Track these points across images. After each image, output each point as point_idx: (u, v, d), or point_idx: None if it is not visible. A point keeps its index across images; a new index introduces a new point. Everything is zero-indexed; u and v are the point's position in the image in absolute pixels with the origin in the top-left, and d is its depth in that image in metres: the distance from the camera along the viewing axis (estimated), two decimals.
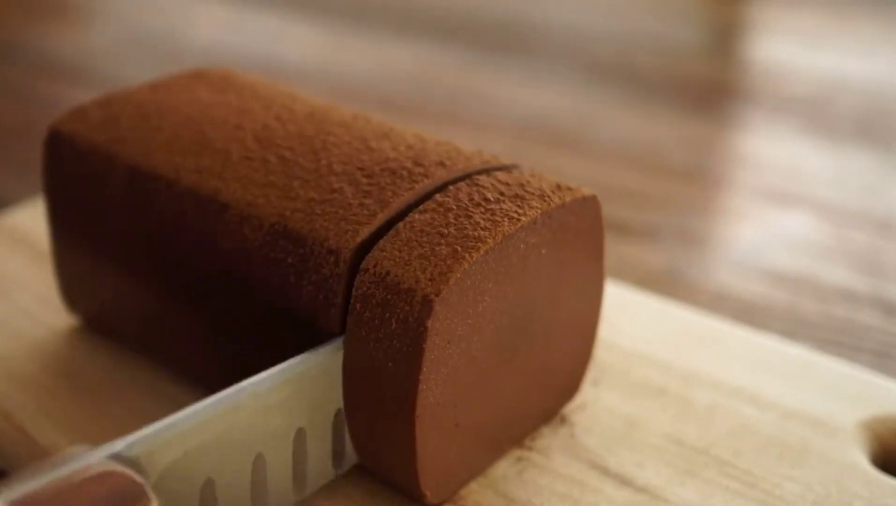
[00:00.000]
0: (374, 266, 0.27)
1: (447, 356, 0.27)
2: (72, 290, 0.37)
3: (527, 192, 0.29)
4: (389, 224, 0.29)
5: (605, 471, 0.31)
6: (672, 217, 0.53)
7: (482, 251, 0.27)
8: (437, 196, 0.29)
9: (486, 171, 0.31)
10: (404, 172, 0.30)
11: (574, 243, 0.31)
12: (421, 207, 0.28)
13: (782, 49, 0.80)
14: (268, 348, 0.30)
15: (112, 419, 0.33)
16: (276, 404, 0.27)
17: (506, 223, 0.28)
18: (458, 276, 0.26)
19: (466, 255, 0.27)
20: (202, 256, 0.31)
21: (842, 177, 0.58)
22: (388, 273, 0.27)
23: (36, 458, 0.32)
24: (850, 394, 0.35)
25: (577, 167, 0.59)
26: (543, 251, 0.29)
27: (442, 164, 0.30)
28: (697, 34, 0.87)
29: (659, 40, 0.81)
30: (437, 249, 0.27)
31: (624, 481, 0.31)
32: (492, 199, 0.28)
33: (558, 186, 0.30)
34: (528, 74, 0.73)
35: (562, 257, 0.30)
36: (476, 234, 0.27)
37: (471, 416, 0.29)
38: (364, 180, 0.30)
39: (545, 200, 0.29)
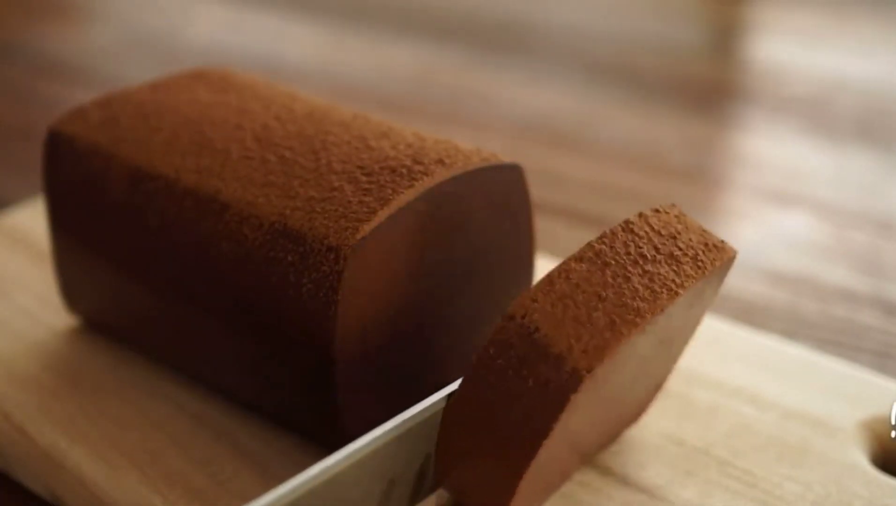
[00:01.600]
0: (523, 317, 0.25)
1: (573, 422, 0.26)
2: (72, 290, 0.37)
3: (680, 249, 0.28)
4: (390, 221, 0.29)
5: (605, 471, 0.31)
6: None
7: (640, 326, 0.25)
8: (594, 243, 0.27)
9: (642, 214, 0.29)
10: (404, 171, 0.30)
11: (702, 300, 0.29)
12: (577, 255, 0.27)
13: (782, 49, 0.80)
14: (268, 347, 0.30)
15: (112, 419, 0.33)
16: (373, 462, 0.26)
17: (664, 296, 0.26)
18: (613, 351, 0.25)
19: (624, 329, 0.25)
20: (202, 255, 0.31)
21: (842, 177, 0.58)
22: (537, 329, 0.25)
23: (36, 458, 0.32)
24: (850, 394, 0.35)
25: (577, 167, 0.59)
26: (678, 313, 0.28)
27: (441, 161, 0.30)
28: (697, 34, 0.87)
29: (659, 40, 0.81)
30: (594, 315, 0.25)
31: (624, 481, 0.31)
32: (648, 256, 0.27)
33: (705, 244, 0.29)
34: (528, 74, 0.73)
35: (689, 313, 0.29)
36: (635, 305, 0.26)
37: (559, 460, 0.29)
38: (364, 179, 0.30)
39: (699, 267, 0.28)
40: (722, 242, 0.29)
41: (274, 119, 0.33)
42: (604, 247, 0.27)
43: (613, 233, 0.27)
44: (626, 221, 0.28)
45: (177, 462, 0.31)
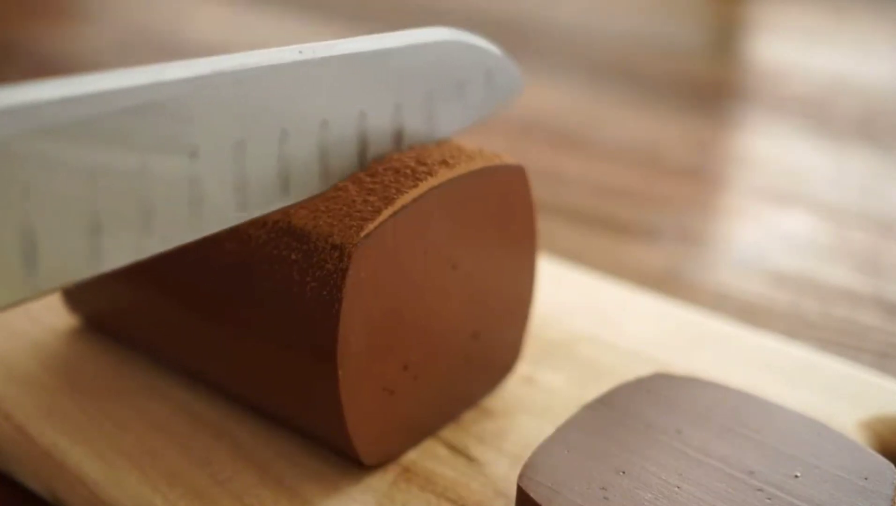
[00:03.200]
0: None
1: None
2: (72, 290, 0.37)
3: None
4: (394, 220, 0.29)
5: None
6: (672, 217, 0.53)
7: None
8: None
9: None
10: (408, 171, 0.30)
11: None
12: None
13: (782, 49, 0.80)
14: (270, 346, 0.30)
15: (112, 419, 0.33)
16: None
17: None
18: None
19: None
20: (205, 254, 0.31)
21: (842, 177, 0.58)
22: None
23: (36, 458, 0.32)
24: (851, 394, 0.35)
25: (577, 167, 0.59)
26: None
27: (445, 162, 0.30)
28: (698, 34, 0.87)
29: (659, 40, 0.81)
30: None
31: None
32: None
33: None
34: (529, 74, 0.73)
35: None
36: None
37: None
38: (368, 179, 0.30)
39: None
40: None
41: None
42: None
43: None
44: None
45: (177, 462, 0.31)
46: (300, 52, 0.26)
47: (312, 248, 0.28)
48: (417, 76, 0.30)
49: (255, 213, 0.26)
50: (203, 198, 0.24)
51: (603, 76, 0.73)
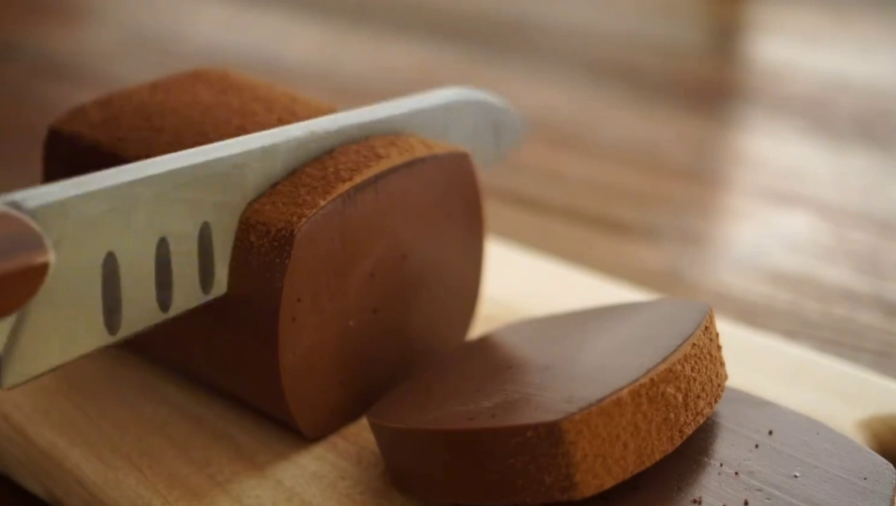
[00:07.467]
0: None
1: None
2: None
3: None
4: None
5: None
6: (672, 217, 0.53)
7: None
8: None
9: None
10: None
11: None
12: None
13: (782, 49, 0.80)
14: (267, 348, 0.30)
15: (111, 419, 0.33)
16: (180, 196, 0.28)
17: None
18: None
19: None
20: None
21: (842, 177, 0.58)
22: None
23: (35, 459, 0.32)
24: (851, 393, 0.35)
25: (577, 167, 0.59)
26: None
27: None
28: (698, 34, 0.87)
29: (660, 40, 0.81)
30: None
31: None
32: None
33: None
34: (529, 73, 0.73)
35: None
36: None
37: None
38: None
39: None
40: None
41: (277, 122, 0.33)
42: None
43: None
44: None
45: (176, 463, 0.31)
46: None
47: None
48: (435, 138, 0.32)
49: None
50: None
51: (603, 76, 0.73)
